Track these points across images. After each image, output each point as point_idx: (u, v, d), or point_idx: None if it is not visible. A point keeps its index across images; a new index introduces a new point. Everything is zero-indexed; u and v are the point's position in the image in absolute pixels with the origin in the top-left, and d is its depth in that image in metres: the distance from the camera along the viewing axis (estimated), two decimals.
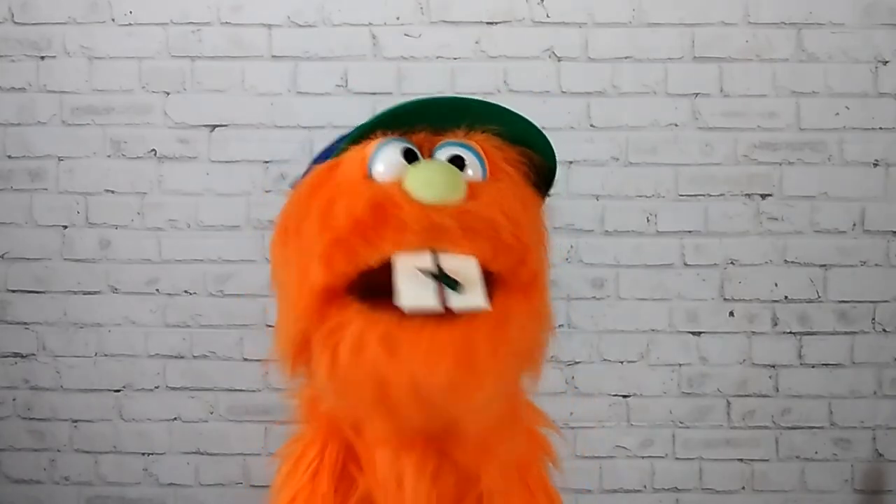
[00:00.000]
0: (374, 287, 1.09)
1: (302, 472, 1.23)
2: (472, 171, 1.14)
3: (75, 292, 2.49)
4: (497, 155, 1.19)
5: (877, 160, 2.46)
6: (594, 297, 2.47)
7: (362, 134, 1.18)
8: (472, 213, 1.08)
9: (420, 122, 1.20)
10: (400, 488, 1.13)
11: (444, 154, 1.15)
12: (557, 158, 1.32)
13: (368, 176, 1.13)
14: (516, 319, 1.10)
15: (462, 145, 1.16)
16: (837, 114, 2.45)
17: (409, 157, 1.14)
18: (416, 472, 1.13)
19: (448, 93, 2.36)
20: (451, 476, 1.15)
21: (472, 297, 1.06)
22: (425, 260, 1.07)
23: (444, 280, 1.06)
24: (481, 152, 1.16)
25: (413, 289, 1.05)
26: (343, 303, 1.09)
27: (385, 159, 1.13)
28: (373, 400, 1.05)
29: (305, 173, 1.28)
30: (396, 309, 1.04)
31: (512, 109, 1.26)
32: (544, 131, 1.31)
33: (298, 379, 1.19)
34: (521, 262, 1.12)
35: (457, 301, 1.05)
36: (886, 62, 2.45)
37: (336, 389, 1.09)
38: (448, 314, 1.04)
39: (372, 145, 1.15)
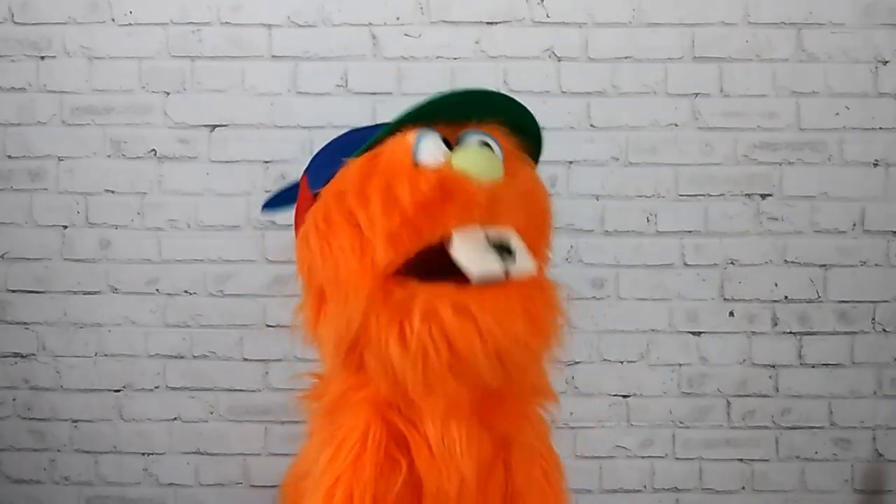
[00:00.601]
0: (417, 267, 1.22)
1: (344, 457, 1.28)
2: (498, 155, 1.27)
3: (75, 292, 2.49)
4: (507, 142, 1.32)
5: (877, 160, 2.46)
6: (594, 297, 2.47)
7: (394, 128, 1.30)
8: (514, 189, 1.23)
9: (440, 116, 1.31)
10: (452, 457, 1.21)
11: (473, 141, 1.26)
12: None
13: (414, 163, 1.24)
14: (549, 285, 1.29)
15: (483, 133, 1.28)
16: (837, 114, 2.46)
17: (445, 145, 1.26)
18: (468, 440, 1.24)
19: None
20: (490, 444, 1.27)
21: (526, 263, 1.23)
22: (480, 235, 1.21)
23: (503, 250, 1.21)
24: (498, 140, 1.29)
25: (479, 259, 1.19)
26: (403, 280, 1.22)
27: (429, 148, 1.24)
28: (449, 361, 1.18)
29: (317, 170, 1.35)
30: (450, 281, 1.19)
31: (508, 96, 1.40)
32: (539, 123, 1.47)
33: (320, 375, 1.24)
34: (543, 235, 1.31)
35: (514, 267, 1.21)
36: (886, 62, 2.45)
37: (408, 359, 1.20)
38: (502, 281, 1.20)
39: (411, 136, 1.26)
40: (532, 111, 1.43)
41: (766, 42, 2.45)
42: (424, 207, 1.19)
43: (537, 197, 1.28)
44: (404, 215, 1.20)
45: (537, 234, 1.28)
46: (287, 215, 2.46)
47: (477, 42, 2.45)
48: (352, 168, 1.29)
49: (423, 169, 1.22)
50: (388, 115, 1.32)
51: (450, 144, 1.26)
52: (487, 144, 1.25)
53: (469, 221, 1.20)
